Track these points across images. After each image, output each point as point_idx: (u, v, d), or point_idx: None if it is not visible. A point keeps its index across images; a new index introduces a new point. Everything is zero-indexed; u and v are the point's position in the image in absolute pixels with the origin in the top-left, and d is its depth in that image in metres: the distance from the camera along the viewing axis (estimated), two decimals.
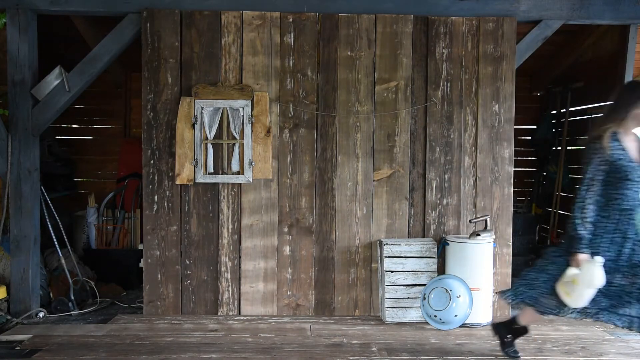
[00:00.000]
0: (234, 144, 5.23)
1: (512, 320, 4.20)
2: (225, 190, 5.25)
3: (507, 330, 4.22)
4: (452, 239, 5.15)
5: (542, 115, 7.38)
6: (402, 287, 5.09)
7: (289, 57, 5.25)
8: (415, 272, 5.15)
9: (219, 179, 5.22)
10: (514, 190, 5.40)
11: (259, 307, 5.27)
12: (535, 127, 7.46)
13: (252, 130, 5.19)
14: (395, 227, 5.26)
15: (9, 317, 5.05)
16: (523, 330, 4.20)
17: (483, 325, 5.03)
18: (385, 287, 5.11)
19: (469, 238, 5.07)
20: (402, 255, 5.13)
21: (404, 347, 4.47)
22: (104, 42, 5.27)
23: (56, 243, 5.65)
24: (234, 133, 5.22)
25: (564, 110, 6.89)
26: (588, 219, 3.75)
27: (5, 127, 5.20)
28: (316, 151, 5.30)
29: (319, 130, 5.29)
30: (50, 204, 5.56)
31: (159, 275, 5.26)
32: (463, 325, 4.98)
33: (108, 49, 5.26)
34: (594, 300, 3.75)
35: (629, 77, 5.51)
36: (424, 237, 5.34)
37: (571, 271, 3.75)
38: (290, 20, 5.23)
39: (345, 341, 4.59)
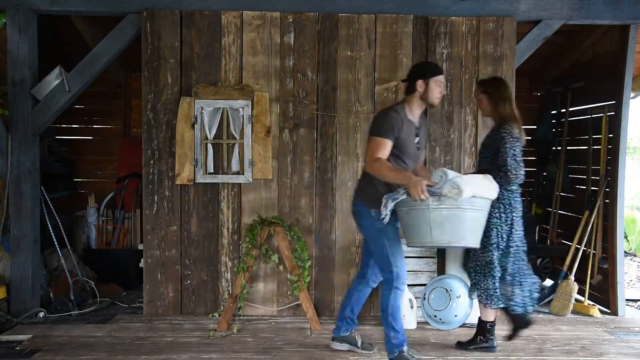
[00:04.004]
0: (234, 144, 5.23)
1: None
2: (225, 190, 5.25)
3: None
4: None
5: (542, 115, 7.37)
6: None
7: (289, 57, 5.25)
8: (415, 272, 5.14)
9: (219, 179, 5.23)
10: None
11: (259, 307, 5.27)
12: (535, 127, 7.45)
13: (252, 130, 5.20)
14: None
15: (9, 317, 5.06)
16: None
17: None
18: None
19: None
20: None
21: None
22: (104, 42, 5.27)
23: (56, 243, 5.66)
24: (234, 133, 5.22)
25: (564, 110, 6.88)
26: None
27: (5, 127, 5.21)
28: (316, 151, 5.30)
29: (319, 130, 5.29)
30: (50, 204, 5.56)
31: (159, 275, 5.26)
32: (463, 325, 4.98)
33: (108, 49, 5.27)
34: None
35: (629, 77, 5.50)
36: None
37: None
38: (290, 20, 5.23)
39: None
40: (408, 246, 3.92)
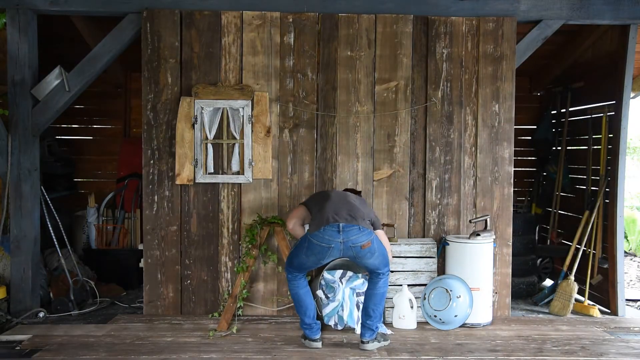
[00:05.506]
0: (234, 144, 5.23)
1: None
2: (225, 190, 5.25)
3: None
4: (452, 239, 5.15)
5: (542, 115, 7.37)
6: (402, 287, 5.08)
7: (289, 57, 5.25)
8: (415, 272, 5.15)
9: (219, 179, 5.23)
10: (514, 190, 5.40)
11: (259, 307, 5.27)
12: (535, 127, 7.46)
13: (252, 130, 5.20)
14: (396, 227, 5.25)
15: (9, 317, 5.06)
16: None
17: (483, 325, 5.03)
18: None
19: (469, 238, 5.07)
20: (402, 255, 5.12)
21: (404, 347, 4.47)
22: (104, 42, 5.27)
23: (56, 243, 5.66)
24: (234, 133, 5.22)
25: (564, 110, 6.88)
26: None
27: (5, 127, 5.21)
28: (316, 151, 5.30)
29: (319, 130, 5.29)
30: (50, 204, 5.56)
31: (159, 275, 5.26)
32: (463, 325, 4.98)
33: (108, 49, 5.27)
34: None
35: (629, 77, 5.50)
36: (424, 237, 5.34)
37: None
38: (290, 20, 5.23)
39: (345, 341, 4.59)
40: None
